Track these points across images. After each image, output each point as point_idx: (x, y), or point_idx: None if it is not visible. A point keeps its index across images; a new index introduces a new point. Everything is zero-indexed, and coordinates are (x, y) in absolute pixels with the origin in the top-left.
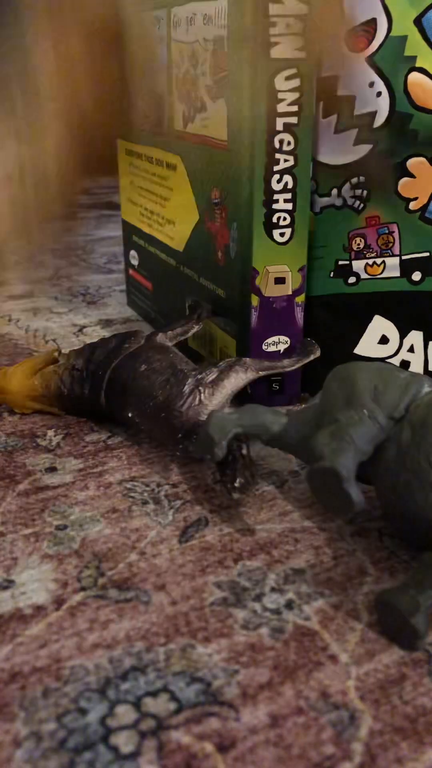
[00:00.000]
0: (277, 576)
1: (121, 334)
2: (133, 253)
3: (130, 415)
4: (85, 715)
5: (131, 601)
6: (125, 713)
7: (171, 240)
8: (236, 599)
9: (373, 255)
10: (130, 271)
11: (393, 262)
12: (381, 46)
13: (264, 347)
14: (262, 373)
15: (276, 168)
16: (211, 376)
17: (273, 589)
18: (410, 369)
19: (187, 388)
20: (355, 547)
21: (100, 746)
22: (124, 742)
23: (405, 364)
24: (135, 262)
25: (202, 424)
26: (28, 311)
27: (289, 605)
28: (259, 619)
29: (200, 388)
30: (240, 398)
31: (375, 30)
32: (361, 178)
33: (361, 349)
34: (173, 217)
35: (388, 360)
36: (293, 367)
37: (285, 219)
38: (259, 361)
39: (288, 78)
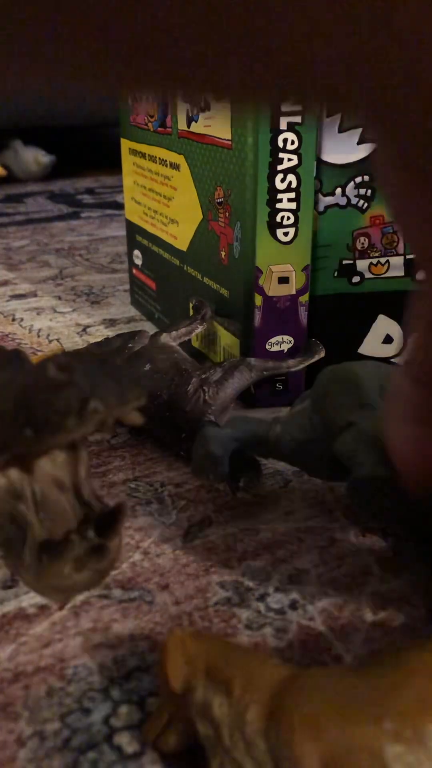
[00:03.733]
0: (281, 576)
1: (125, 334)
2: (136, 252)
3: None
4: (88, 714)
5: (135, 600)
6: (129, 713)
7: (175, 239)
8: (240, 599)
9: (377, 254)
10: (134, 271)
11: (397, 262)
12: None
13: (268, 347)
14: (266, 373)
15: (280, 167)
16: (216, 376)
17: (277, 589)
18: None
19: (191, 388)
20: (360, 547)
21: (104, 746)
22: (128, 741)
23: None
24: (138, 261)
25: (202, 433)
26: (32, 311)
27: (293, 605)
28: (263, 619)
29: (204, 387)
30: (243, 398)
31: None
32: (365, 177)
33: (365, 349)
34: (177, 217)
35: (392, 359)
36: (298, 368)
37: (289, 218)
38: (264, 360)
39: None
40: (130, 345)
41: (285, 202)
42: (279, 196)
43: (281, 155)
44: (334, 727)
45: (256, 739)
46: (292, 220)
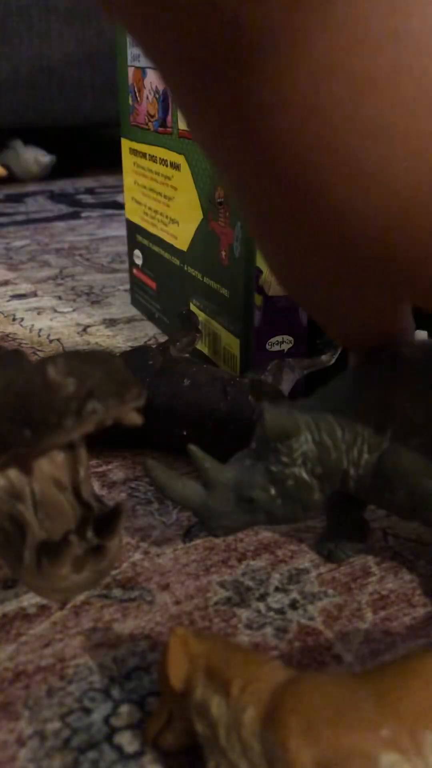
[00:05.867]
0: (281, 576)
1: (136, 351)
2: (137, 252)
3: (184, 433)
4: (89, 714)
5: (135, 600)
6: (129, 713)
7: (175, 239)
8: (240, 599)
9: None
10: (134, 271)
11: None
12: None
13: (268, 347)
14: (305, 372)
15: None
16: (267, 380)
17: (277, 589)
18: None
19: (250, 397)
20: (360, 547)
21: (105, 745)
22: (129, 741)
23: None
24: (139, 261)
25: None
26: (32, 310)
27: (294, 605)
28: (264, 618)
29: (259, 392)
30: None
31: None
32: None
33: None
34: (177, 217)
35: None
36: (331, 361)
37: None
38: (300, 359)
39: None
40: (150, 362)
41: None
42: None
43: None
44: (329, 732)
45: (252, 741)
46: None
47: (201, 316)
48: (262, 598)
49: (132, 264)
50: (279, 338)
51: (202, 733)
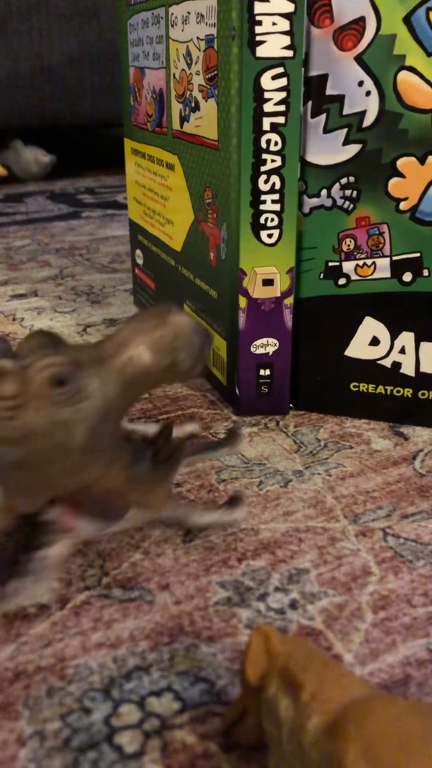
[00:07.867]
0: (281, 576)
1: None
2: (138, 252)
3: None
4: (89, 714)
5: (135, 600)
6: (129, 713)
7: (170, 240)
8: (240, 599)
9: (363, 256)
10: (136, 270)
11: (383, 263)
12: (370, 44)
13: (252, 349)
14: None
15: (263, 168)
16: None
17: (277, 589)
18: (402, 370)
19: None
20: (359, 546)
21: (105, 745)
22: (129, 741)
23: (396, 366)
24: (140, 261)
25: None
26: (32, 310)
27: (293, 605)
28: (263, 618)
29: None
30: (229, 402)
31: (363, 29)
32: (351, 179)
33: (351, 351)
34: (172, 217)
35: (379, 362)
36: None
37: (273, 220)
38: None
39: (274, 77)
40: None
41: (269, 203)
42: (262, 197)
43: (264, 156)
44: (389, 757)
45: (311, 750)
46: (276, 222)
47: (194, 317)
48: (262, 598)
49: (134, 264)
50: (263, 341)
51: (268, 731)
